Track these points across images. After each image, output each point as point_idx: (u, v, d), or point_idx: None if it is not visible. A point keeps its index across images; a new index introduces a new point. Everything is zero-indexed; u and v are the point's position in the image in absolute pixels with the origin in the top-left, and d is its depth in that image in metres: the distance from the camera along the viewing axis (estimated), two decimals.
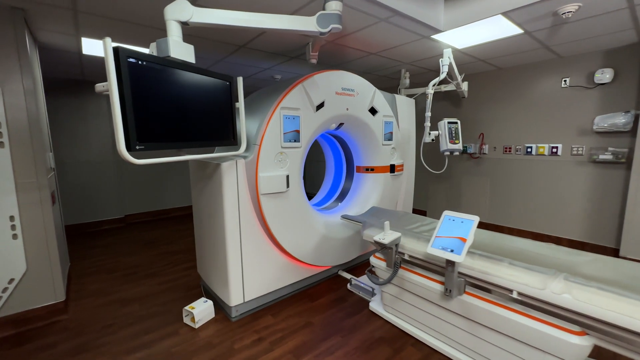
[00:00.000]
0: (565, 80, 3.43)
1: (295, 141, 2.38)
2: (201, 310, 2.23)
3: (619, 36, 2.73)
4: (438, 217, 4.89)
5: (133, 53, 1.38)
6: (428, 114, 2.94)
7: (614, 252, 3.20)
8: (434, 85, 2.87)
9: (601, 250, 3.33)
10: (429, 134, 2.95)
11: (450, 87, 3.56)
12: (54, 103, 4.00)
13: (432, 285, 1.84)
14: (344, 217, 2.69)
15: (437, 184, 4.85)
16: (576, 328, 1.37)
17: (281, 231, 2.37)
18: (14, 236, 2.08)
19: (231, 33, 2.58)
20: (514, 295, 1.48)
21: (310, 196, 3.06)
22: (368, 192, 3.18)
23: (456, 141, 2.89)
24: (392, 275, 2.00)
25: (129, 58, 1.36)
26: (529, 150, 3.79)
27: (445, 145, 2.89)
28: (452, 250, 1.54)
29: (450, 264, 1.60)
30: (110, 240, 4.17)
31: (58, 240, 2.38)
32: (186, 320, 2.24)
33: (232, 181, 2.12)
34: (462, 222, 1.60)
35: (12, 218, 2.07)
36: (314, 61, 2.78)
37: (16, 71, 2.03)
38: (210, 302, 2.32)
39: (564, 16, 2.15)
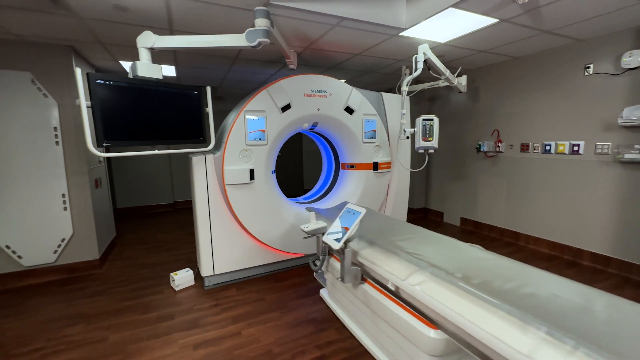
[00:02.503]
0: (588, 68, 2.95)
1: (260, 139, 2.71)
2: (182, 277, 2.75)
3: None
4: (454, 221, 4.56)
5: (101, 76, 1.92)
6: (403, 111, 2.92)
7: None
8: (408, 83, 2.84)
9: (627, 268, 2.79)
10: (404, 131, 2.93)
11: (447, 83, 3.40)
12: None
13: None
14: (308, 208, 2.90)
15: (453, 185, 4.57)
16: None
17: (248, 217, 2.73)
18: (65, 208, 2.93)
19: (221, 49, 3.03)
20: (390, 285, 1.55)
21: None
22: (349, 188, 3.31)
23: (429, 138, 2.80)
24: (321, 262, 2.17)
25: (97, 80, 1.90)
26: (547, 148, 3.35)
27: (419, 142, 2.84)
28: (338, 239, 1.67)
29: (342, 251, 1.73)
30: (157, 221, 5.16)
31: (97, 214, 3.20)
32: (172, 284, 2.79)
33: (201, 173, 2.58)
34: (353, 213, 1.71)
35: (63, 195, 2.91)
36: (292, 67, 3.05)
37: (67, 91, 2.85)
38: (191, 272, 2.83)
39: (520, 2, 1.97)
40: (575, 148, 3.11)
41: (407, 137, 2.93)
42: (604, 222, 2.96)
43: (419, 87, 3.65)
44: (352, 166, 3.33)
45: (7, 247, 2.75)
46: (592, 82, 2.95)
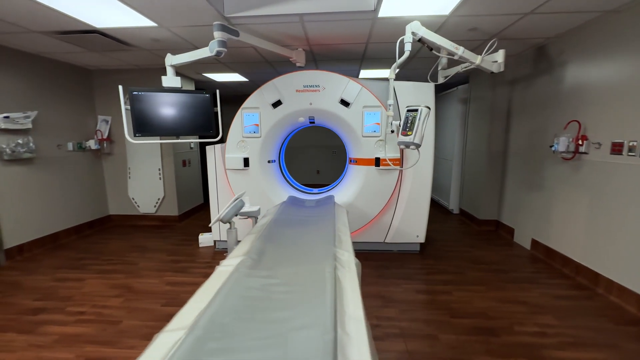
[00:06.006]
0: None
1: (255, 133, 3.13)
2: (204, 238, 3.61)
3: None
4: (525, 242, 3.56)
5: (136, 89, 2.86)
6: (390, 102, 2.58)
7: None
8: (395, 69, 2.48)
9: None
10: (391, 123, 2.58)
11: (485, 64, 2.67)
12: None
13: None
14: (290, 197, 3.09)
15: (527, 195, 3.45)
16: None
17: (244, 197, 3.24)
18: (160, 178, 4.36)
19: (245, 57, 3.59)
20: None
21: None
22: (349, 183, 3.25)
23: (409, 132, 2.34)
24: None
25: (133, 92, 2.85)
26: None
27: (399, 136, 2.45)
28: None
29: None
30: None
31: (180, 184, 4.53)
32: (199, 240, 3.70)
33: (212, 159, 3.28)
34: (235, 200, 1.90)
35: (159, 170, 4.34)
36: (299, 64, 3.26)
37: None
38: (211, 235, 3.64)
39: None
40: None
41: (392, 131, 2.60)
42: None
43: (452, 70, 3.02)
44: (355, 161, 3.23)
45: (132, 198, 4.42)
46: None
